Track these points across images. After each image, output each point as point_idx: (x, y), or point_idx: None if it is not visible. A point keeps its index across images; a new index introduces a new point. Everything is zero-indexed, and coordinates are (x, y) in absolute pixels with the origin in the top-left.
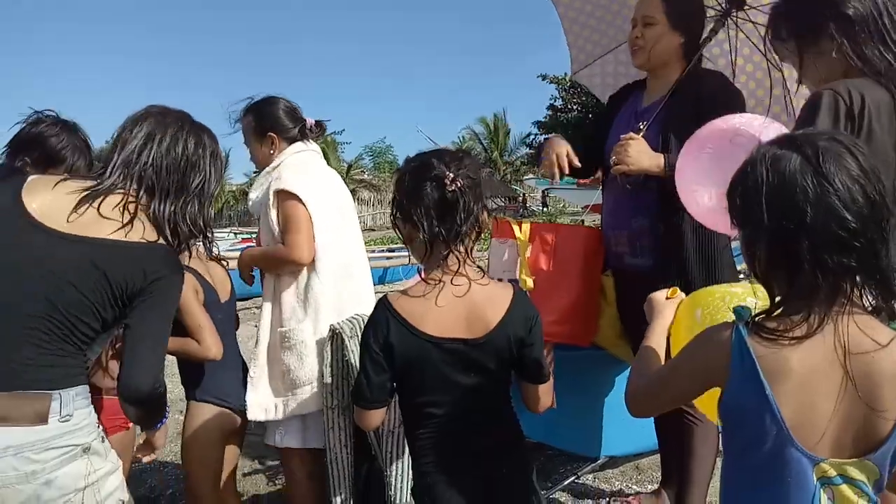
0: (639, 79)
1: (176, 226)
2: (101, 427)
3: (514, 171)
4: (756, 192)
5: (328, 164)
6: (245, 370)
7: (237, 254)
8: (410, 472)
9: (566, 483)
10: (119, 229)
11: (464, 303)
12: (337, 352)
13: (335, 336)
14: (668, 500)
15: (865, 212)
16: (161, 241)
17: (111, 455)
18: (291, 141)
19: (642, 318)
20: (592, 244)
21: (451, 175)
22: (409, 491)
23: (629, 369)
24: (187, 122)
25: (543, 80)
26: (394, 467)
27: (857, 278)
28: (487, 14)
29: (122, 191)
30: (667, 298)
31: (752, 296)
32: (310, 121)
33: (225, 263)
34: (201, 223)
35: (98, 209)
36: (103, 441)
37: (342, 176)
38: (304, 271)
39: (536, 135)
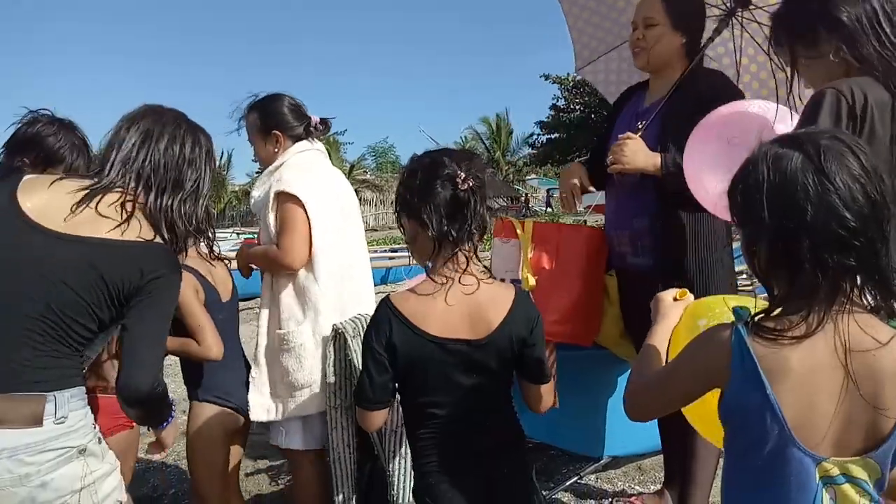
0: (643, 79)
1: (172, 223)
2: (97, 428)
3: (516, 170)
4: (757, 190)
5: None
6: (248, 369)
7: None
8: (413, 471)
9: (568, 483)
10: (116, 227)
11: (468, 303)
12: (340, 351)
13: (338, 336)
14: (670, 500)
15: (866, 211)
16: (158, 239)
17: (108, 456)
18: (296, 139)
19: (645, 318)
20: (595, 244)
21: (463, 175)
22: (412, 490)
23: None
24: (183, 121)
25: (546, 79)
26: (396, 467)
27: (857, 277)
28: (489, 14)
29: (120, 188)
30: (675, 300)
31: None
32: (315, 118)
33: (227, 263)
34: (196, 221)
35: (96, 207)
36: (100, 442)
37: (345, 176)
38: (302, 273)
39: (539, 134)
